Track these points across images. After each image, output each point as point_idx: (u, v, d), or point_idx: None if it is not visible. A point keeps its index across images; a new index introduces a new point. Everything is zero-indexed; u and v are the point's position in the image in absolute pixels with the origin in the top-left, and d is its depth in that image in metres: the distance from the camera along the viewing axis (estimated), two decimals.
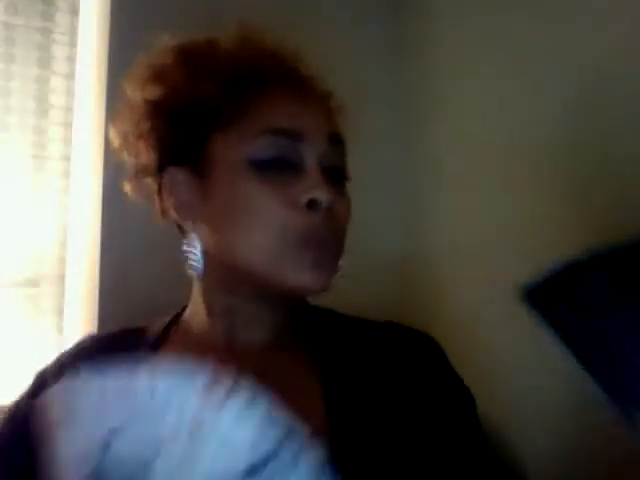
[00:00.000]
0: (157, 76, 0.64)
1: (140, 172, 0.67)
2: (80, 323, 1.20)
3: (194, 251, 0.64)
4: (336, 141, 0.64)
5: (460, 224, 1.21)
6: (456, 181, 1.23)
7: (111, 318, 1.16)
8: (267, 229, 0.58)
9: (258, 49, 0.64)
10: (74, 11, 1.22)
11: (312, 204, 0.58)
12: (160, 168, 0.65)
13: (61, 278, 1.21)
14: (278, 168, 0.59)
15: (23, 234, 1.18)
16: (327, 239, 0.59)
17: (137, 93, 0.65)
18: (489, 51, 1.14)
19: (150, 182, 0.67)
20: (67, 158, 1.22)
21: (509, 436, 0.96)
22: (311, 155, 0.60)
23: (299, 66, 0.66)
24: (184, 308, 0.70)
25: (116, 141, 0.67)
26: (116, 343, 0.69)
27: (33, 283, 1.19)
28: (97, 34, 1.22)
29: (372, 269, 1.19)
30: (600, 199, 0.89)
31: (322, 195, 0.58)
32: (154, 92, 0.64)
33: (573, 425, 0.90)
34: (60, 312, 1.20)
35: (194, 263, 0.64)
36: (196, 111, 0.62)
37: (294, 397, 0.60)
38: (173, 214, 0.64)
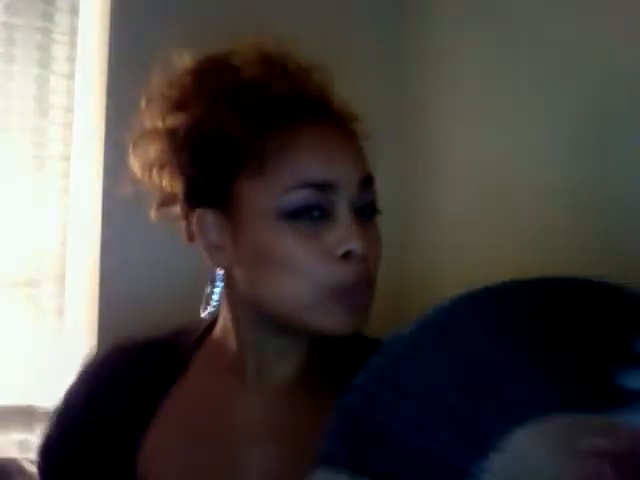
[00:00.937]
0: (177, 104, 0.63)
1: (166, 201, 0.66)
2: (80, 323, 1.20)
3: (215, 293, 0.65)
4: (367, 184, 0.63)
5: (459, 227, 1.21)
6: (455, 182, 1.23)
7: (111, 318, 1.16)
8: (301, 281, 0.58)
9: (283, 81, 0.62)
10: (74, 11, 1.21)
11: (346, 254, 0.58)
12: (187, 200, 0.64)
13: (61, 278, 1.21)
14: (310, 217, 0.59)
15: (23, 234, 1.18)
16: (360, 285, 0.59)
17: (157, 121, 0.64)
18: (489, 52, 1.14)
19: (176, 208, 0.66)
20: (67, 158, 1.22)
21: None
22: (343, 202, 0.59)
23: (326, 100, 0.65)
24: (213, 322, 0.70)
25: (138, 171, 0.66)
26: (145, 355, 0.69)
27: (33, 283, 1.19)
28: (97, 34, 1.22)
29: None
30: (602, 202, 0.89)
31: (357, 246, 0.58)
32: (175, 121, 0.62)
33: None
34: (60, 312, 1.20)
35: (211, 307, 0.65)
36: (219, 147, 0.61)
37: (314, 439, 0.61)
38: (205, 255, 0.64)
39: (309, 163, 0.59)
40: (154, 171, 0.65)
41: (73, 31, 1.22)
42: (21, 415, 1.12)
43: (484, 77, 1.15)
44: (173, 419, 0.64)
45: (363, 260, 0.59)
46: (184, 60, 0.65)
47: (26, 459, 0.80)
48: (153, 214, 0.67)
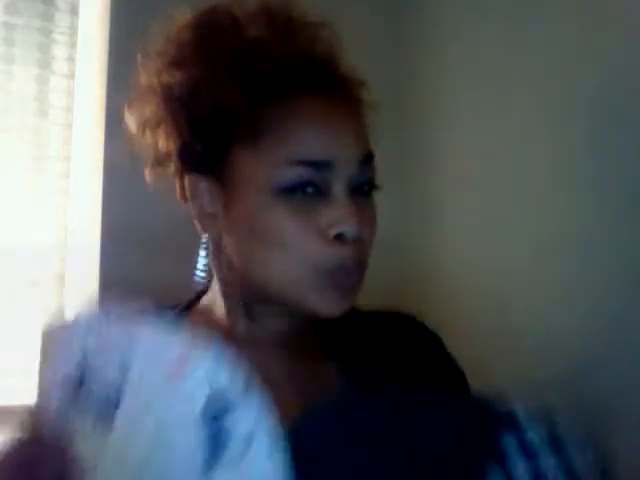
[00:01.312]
0: (174, 62, 0.61)
1: (160, 160, 0.65)
2: None
3: (202, 263, 0.64)
4: (367, 162, 0.61)
5: (459, 227, 1.21)
6: (455, 182, 1.23)
7: None
8: (290, 257, 0.57)
9: (287, 43, 0.60)
10: (74, 11, 1.22)
11: (340, 235, 0.57)
12: (181, 159, 0.63)
13: (61, 278, 1.21)
14: (305, 194, 0.57)
15: (23, 234, 1.18)
16: (353, 269, 0.59)
17: (154, 78, 0.62)
18: (489, 52, 1.14)
19: (170, 167, 0.65)
20: (67, 158, 1.22)
21: None
22: (340, 181, 0.58)
23: (332, 64, 0.63)
24: (199, 295, 0.69)
25: (133, 128, 0.64)
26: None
27: (33, 283, 1.19)
28: (97, 34, 1.22)
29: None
30: (602, 201, 0.89)
31: (351, 228, 0.57)
32: (171, 79, 0.60)
33: None
34: (60, 312, 1.20)
35: (198, 275, 0.64)
36: (214, 111, 0.59)
37: (309, 380, 0.60)
38: (196, 223, 0.63)
39: (306, 140, 0.57)
40: (149, 129, 0.64)
41: (73, 31, 1.22)
42: (22, 415, 1.12)
43: (484, 77, 1.15)
44: None
45: (356, 242, 0.58)
46: (183, 15, 0.62)
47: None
48: (148, 173, 0.66)
